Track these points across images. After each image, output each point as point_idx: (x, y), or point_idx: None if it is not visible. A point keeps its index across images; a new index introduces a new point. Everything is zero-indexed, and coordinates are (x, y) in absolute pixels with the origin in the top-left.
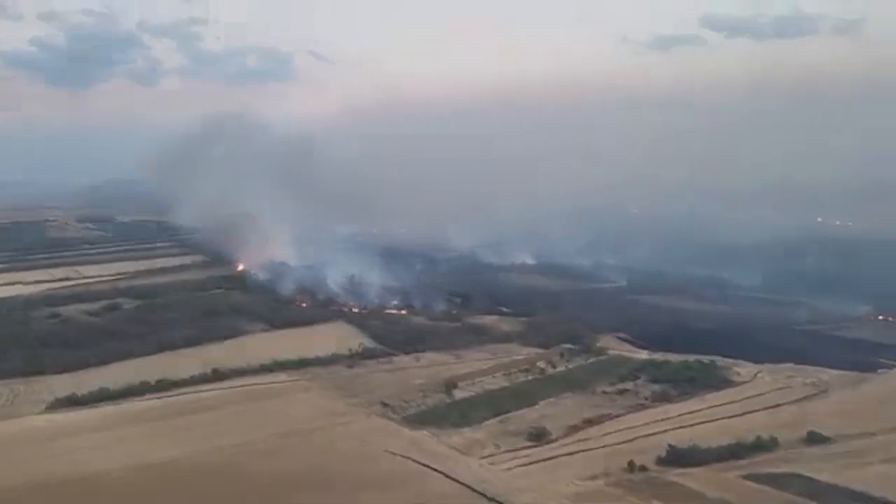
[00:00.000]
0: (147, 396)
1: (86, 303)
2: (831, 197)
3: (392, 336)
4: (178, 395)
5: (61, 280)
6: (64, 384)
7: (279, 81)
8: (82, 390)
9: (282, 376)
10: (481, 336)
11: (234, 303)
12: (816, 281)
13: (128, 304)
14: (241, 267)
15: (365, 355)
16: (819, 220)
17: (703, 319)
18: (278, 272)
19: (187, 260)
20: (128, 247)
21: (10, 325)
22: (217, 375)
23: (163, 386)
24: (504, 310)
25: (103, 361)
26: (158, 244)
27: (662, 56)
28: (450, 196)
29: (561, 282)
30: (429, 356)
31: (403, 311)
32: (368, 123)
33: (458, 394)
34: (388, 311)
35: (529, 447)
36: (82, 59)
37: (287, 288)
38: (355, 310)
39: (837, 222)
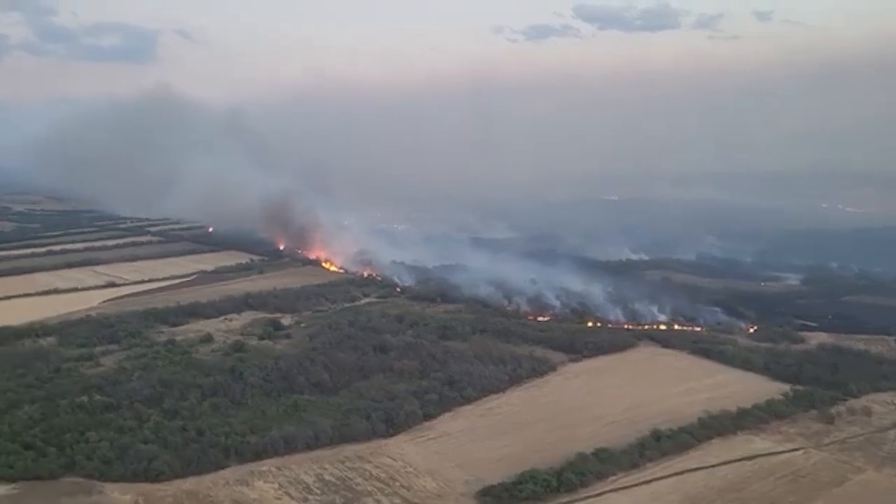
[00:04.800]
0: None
1: (211, 318)
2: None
3: (781, 369)
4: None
5: (111, 286)
6: (426, 455)
7: (141, 62)
8: (484, 467)
9: (759, 442)
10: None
11: (456, 319)
12: None
13: (284, 320)
14: (333, 265)
15: (809, 402)
16: (824, 206)
17: None
18: (423, 275)
19: (239, 258)
20: (120, 242)
21: (187, 361)
22: (657, 441)
23: (614, 459)
24: (809, 323)
25: (428, 415)
26: (153, 239)
27: (538, 46)
28: (408, 181)
29: (729, 281)
30: None
31: (698, 329)
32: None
33: None
34: (680, 327)
35: None
36: None
37: (481, 295)
38: (635, 327)
39: (849, 208)
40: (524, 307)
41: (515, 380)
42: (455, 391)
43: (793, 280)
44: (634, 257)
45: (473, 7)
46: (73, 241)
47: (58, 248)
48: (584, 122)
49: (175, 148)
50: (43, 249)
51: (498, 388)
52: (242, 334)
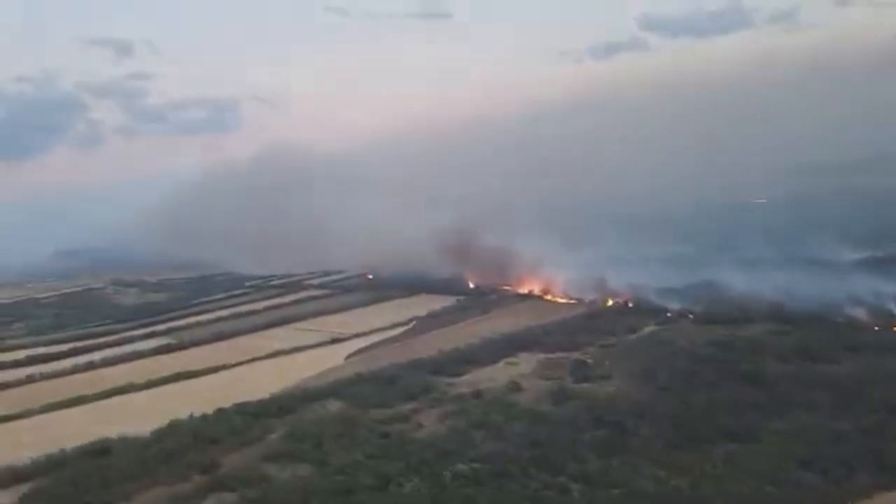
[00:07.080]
0: None
1: (488, 365)
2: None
3: None
4: None
5: (335, 342)
6: None
7: (228, 130)
8: None
9: None
10: None
11: (804, 339)
12: None
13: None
14: (557, 297)
15: None
16: None
17: None
18: (682, 297)
19: (440, 301)
20: (294, 299)
21: (528, 415)
22: None
23: None
24: None
25: None
26: (322, 293)
27: (607, 64)
28: (551, 206)
29: None
30: None
31: None
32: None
33: None
34: None
35: None
36: (22, 127)
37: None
38: None
39: None
40: (862, 317)
41: None
42: None
43: None
44: (857, 256)
45: (528, 37)
46: (246, 303)
47: (243, 308)
48: (688, 129)
49: (299, 200)
50: (226, 313)
51: None
52: (543, 378)
